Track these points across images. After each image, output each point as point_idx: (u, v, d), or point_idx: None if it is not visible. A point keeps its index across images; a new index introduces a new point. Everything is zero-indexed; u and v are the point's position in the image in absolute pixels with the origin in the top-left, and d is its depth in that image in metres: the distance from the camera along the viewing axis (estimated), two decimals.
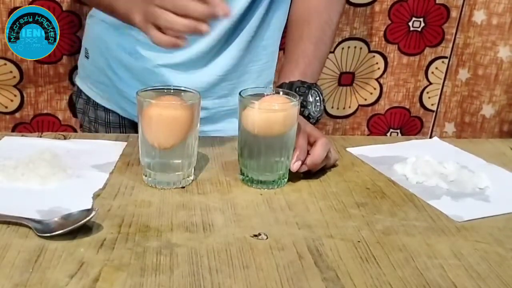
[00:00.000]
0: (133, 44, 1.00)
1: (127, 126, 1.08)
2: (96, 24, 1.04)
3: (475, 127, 1.33)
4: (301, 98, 0.85)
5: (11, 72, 1.19)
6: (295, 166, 0.79)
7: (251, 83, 1.05)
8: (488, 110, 1.30)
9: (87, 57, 1.07)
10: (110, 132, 1.08)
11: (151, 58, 0.99)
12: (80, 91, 1.11)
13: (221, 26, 0.97)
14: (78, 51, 1.20)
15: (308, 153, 0.80)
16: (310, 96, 0.87)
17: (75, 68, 1.22)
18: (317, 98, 0.88)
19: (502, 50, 1.25)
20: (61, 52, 1.20)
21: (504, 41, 1.25)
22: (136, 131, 0.90)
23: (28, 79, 1.20)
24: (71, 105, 1.26)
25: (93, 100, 1.08)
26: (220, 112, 1.06)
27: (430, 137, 1.37)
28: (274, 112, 0.76)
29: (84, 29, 1.18)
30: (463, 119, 1.34)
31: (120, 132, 1.08)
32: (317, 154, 0.81)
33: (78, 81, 1.12)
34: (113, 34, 1.01)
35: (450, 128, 1.37)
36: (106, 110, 1.07)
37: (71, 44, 1.20)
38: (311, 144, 0.82)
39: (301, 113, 0.87)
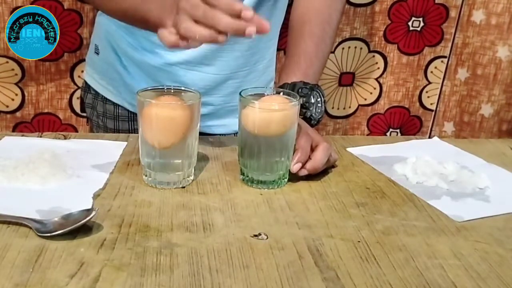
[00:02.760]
0: (142, 42, 1.01)
1: (136, 120, 1.08)
2: (107, 22, 1.05)
3: (474, 127, 1.33)
4: (303, 99, 0.85)
5: (13, 69, 1.19)
6: (295, 167, 0.79)
7: (255, 81, 1.06)
8: (487, 110, 1.30)
9: (97, 53, 1.08)
10: (118, 126, 1.09)
11: (160, 56, 1.00)
12: (88, 86, 1.12)
13: None
14: (80, 49, 1.21)
15: (309, 158, 0.81)
16: (312, 97, 0.87)
17: (76, 65, 1.22)
18: (319, 99, 0.88)
19: (501, 49, 1.25)
20: (62, 49, 1.20)
21: (503, 41, 1.25)
22: None
23: (30, 77, 1.20)
24: (72, 104, 1.26)
25: (102, 95, 1.09)
26: (225, 108, 1.06)
27: (429, 137, 1.37)
28: (274, 112, 0.76)
29: (86, 26, 1.18)
30: (462, 119, 1.35)
31: (129, 125, 1.09)
32: (318, 159, 0.81)
33: (86, 76, 1.14)
34: (123, 32, 1.02)
35: (449, 127, 1.37)
36: (115, 104, 1.08)
37: (72, 41, 1.20)
38: (312, 148, 0.82)
39: (303, 114, 0.87)
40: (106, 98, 1.09)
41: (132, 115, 1.08)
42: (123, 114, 1.09)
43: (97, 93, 1.10)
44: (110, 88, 1.08)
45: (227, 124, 1.08)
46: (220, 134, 1.05)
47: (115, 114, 1.09)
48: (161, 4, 0.80)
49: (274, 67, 1.12)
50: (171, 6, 0.75)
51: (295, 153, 0.79)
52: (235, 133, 1.07)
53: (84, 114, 1.23)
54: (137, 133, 0.79)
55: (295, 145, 0.80)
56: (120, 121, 1.09)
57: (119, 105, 1.08)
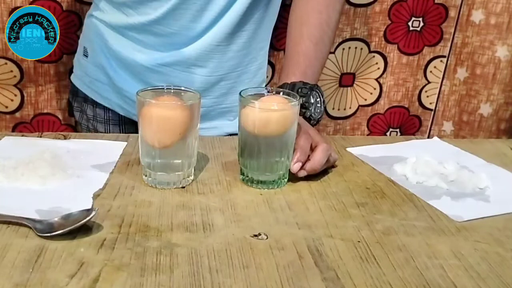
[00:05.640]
0: (133, 43, 1.00)
1: (127, 123, 1.08)
2: (96, 24, 1.04)
3: (472, 126, 1.33)
4: (303, 99, 0.85)
5: (11, 71, 1.19)
6: (295, 167, 0.79)
7: (248, 82, 1.06)
8: (485, 109, 1.30)
9: (85, 55, 1.07)
10: (109, 129, 1.09)
11: (152, 57, 1.00)
12: (76, 89, 1.11)
13: (222, 27, 0.97)
14: None
15: (308, 158, 0.80)
16: (311, 97, 0.87)
17: None
18: (318, 99, 0.88)
19: (500, 49, 1.25)
20: (61, 51, 1.20)
21: (502, 41, 1.25)
22: (136, 128, 0.90)
23: (28, 78, 1.20)
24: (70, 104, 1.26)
25: (91, 99, 1.08)
26: (217, 109, 1.06)
27: (429, 136, 1.38)
28: (274, 112, 0.76)
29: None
30: (461, 118, 1.35)
31: (120, 129, 1.08)
32: (317, 160, 0.81)
33: (74, 79, 1.12)
34: (112, 34, 1.01)
35: (448, 126, 1.38)
36: (105, 107, 1.07)
37: (71, 43, 1.20)
38: (311, 148, 0.82)
39: (302, 114, 0.87)
40: (96, 102, 1.08)
41: (123, 119, 1.07)
42: (113, 118, 1.08)
43: (86, 97, 1.09)
44: (100, 92, 1.07)
45: (218, 127, 1.07)
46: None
47: (105, 118, 1.08)
48: None
49: (265, 69, 1.11)
50: None
51: (294, 152, 0.79)
52: (227, 135, 1.07)
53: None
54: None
55: (294, 144, 0.80)
56: (111, 125, 1.08)
57: (109, 109, 1.07)
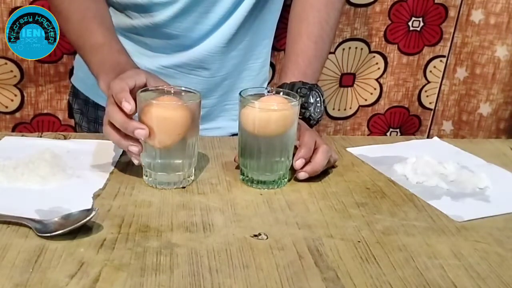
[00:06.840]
0: (137, 46, 1.00)
1: None
2: None
3: (472, 125, 1.33)
4: (302, 99, 0.85)
5: (11, 71, 1.19)
6: (298, 163, 0.79)
7: (250, 79, 1.05)
8: (485, 109, 1.31)
9: None
10: None
11: (155, 60, 0.99)
12: (77, 91, 1.11)
13: (227, 29, 0.97)
14: None
15: (309, 160, 0.80)
16: (311, 97, 0.87)
17: None
18: (318, 99, 0.88)
19: (500, 49, 1.26)
20: (61, 51, 1.20)
21: (502, 41, 1.25)
22: None
23: (28, 78, 1.20)
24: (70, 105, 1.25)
25: (93, 100, 1.08)
26: (219, 108, 1.06)
27: (428, 135, 1.38)
28: (274, 112, 0.76)
29: None
30: (461, 118, 1.35)
31: None
32: (318, 162, 0.81)
33: (75, 81, 1.11)
34: (119, 37, 1.01)
35: (448, 126, 1.38)
36: None
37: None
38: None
39: (302, 114, 0.86)
40: (98, 104, 1.07)
41: None
42: None
43: (87, 99, 1.08)
44: (102, 94, 1.06)
45: (221, 127, 1.07)
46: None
47: None
48: (101, 65, 0.84)
49: (268, 67, 1.11)
50: (107, 74, 0.80)
51: (298, 149, 0.79)
52: (231, 136, 1.06)
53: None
54: None
55: (299, 141, 0.80)
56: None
57: None
